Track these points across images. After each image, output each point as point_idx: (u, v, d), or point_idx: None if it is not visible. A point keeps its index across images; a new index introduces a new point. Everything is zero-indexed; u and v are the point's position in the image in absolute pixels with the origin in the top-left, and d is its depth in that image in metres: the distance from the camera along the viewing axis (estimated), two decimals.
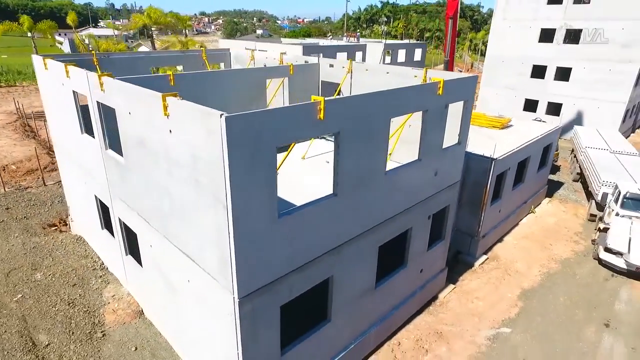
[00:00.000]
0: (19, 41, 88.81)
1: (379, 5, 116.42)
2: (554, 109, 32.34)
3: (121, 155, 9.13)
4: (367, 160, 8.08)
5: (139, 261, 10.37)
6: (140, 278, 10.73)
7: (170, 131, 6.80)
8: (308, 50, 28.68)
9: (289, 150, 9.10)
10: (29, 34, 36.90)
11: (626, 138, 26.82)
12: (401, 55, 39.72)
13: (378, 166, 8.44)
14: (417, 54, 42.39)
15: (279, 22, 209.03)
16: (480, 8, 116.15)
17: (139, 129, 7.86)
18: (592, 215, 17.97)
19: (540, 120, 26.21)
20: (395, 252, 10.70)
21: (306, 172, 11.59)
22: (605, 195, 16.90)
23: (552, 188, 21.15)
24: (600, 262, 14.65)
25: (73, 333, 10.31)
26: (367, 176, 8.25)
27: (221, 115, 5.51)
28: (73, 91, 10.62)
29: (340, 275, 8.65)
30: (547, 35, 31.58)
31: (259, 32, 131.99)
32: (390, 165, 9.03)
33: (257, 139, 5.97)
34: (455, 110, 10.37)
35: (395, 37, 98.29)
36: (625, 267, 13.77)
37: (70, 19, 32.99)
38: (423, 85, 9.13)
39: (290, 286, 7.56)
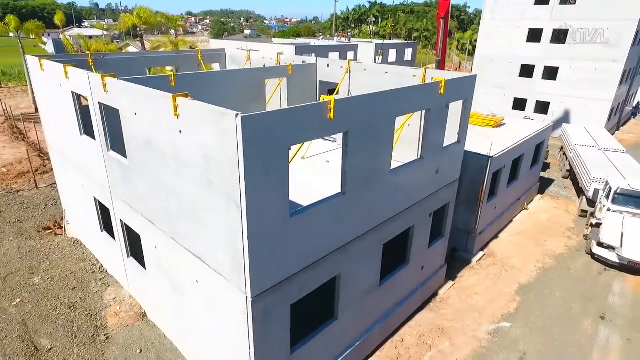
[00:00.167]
0: (0, 41, 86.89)
1: (367, 6, 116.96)
2: (542, 107, 32.98)
3: (124, 156, 9.07)
4: (373, 158, 8.19)
5: (142, 263, 10.30)
6: (144, 280, 10.66)
7: (180, 131, 6.79)
8: (300, 50, 28.75)
9: (297, 150, 9.15)
10: (11, 35, 36.11)
11: (612, 135, 27.48)
12: (392, 55, 40.05)
13: (384, 165, 8.56)
14: (408, 54, 42.80)
15: (266, 22, 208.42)
16: (466, 8, 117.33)
17: (146, 129, 7.82)
18: (583, 211, 18.39)
19: (529, 119, 26.69)
20: (398, 249, 10.83)
21: (307, 172, 11.64)
22: (596, 191, 17.31)
23: (543, 185, 21.59)
24: (593, 256, 15.02)
25: (76, 337, 10.20)
26: (374, 175, 8.35)
27: (237, 115, 5.54)
28: (72, 92, 10.50)
29: (347, 273, 8.73)
30: (534, 35, 32.19)
31: (247, 32, 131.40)
32: (392, 164, 9.14)
33: (271, 139, 6.02)
34: (454, 109, 10.54)
35: (383, 37, 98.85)
36: (617, 261, 14.14)
37: (58, 18, 32.45)
38: (427, 85, 9.27)
39: (301, 285, 7.62)
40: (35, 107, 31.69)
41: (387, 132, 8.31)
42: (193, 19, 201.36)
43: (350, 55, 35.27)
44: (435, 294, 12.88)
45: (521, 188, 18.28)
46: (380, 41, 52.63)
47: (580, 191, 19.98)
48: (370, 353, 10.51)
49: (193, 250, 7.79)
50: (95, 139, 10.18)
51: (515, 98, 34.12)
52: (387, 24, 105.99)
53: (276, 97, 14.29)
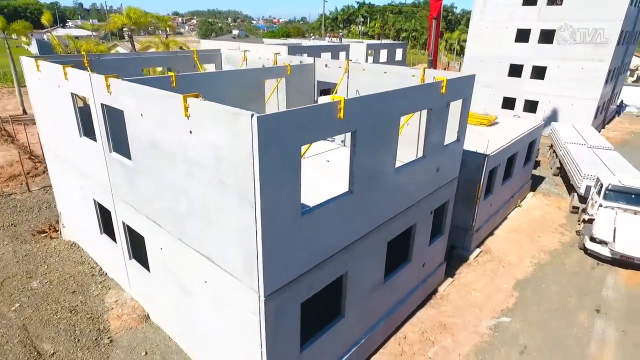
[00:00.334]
0: None
1: (356, 6, 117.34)
2: (531, 106, 33.58)
3: (128, 157, 9.01)
4: (379, 157, 8.30)
5: (145, 265, 10.23)
6: (147, 282, 10.59)
7: (191, 132, 6.80)
8: (293, 50, 28.70)
9: (305, 149, 9.21)
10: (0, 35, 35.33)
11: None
12: (383, 55, 40.30)
13: (389, 163, 8.67)
14: (398, 54, 43.11)
15: (254, 22, 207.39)
16: (454, 9, 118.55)
17: (152, 130, 7.79)
18: (574, 207, 18.80)
19: (518, 117, 27.17)
20: (401, 247, 10.96)
21: (307, 172, 11.66)
22: (587, 188, 17.72)
23: (535, 182, 21.99)
24: (586, 251, 15.38)
25: (79, 340, 10.08)
26: (379, 173, 8.46)
27: (252, 115, 5.58)
28: (72, 93, 10.38)
29: (353, 271, 8.83)
30: (522, 36, 32.76)
31: (235, 32, 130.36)
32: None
33: (285, 139, 6.08)
34: (452, 108, 10.70)
35: (372, 37, 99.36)
36: (610, 255, 14.50)
37: (45, 18, 31.76)
38: (430, 84, 9.41)
39: (310, 283, 7.68)
40: (24, 109, 31.07)
41: (392, 131, 8.43)
42: (180, 19, 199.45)
43: (342, 55, 35.38)
44: (435, 291, 13.06)
45: (515, 185, 18.62)
46: (370, 41, 52.91)
47: (571, 188, 20.41)
48: (374, 350, 10.62)
49: (202, 251, 7.79)
50: (96, 141, 10.09)
51: (504, 97, 34.68)
52: (375, 24, 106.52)
53: (274, 97, 14.31)
